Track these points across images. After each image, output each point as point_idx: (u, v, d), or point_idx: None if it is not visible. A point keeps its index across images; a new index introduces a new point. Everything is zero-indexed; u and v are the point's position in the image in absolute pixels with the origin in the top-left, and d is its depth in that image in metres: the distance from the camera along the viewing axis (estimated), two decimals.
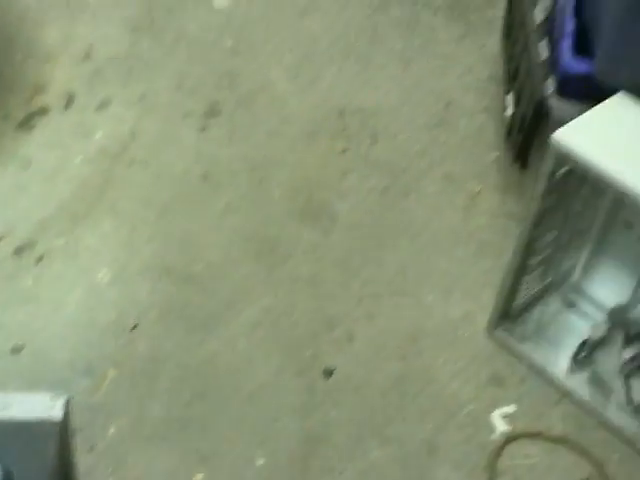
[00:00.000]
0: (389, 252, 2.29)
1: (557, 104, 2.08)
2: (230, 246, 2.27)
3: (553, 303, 2.20)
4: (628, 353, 2.09)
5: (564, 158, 1.78)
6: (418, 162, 2.51)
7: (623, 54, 1.86)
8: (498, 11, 2.68)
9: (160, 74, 2.65)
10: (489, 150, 2.52)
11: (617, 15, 1.84)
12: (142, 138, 2.49)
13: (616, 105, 1.88)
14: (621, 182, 1.71)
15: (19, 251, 2.21)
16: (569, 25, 2.05)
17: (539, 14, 2.32)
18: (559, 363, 2.11)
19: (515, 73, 2.38)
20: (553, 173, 1.84)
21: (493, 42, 2.70)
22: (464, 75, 2.77)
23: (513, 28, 2.45)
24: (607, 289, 2.15)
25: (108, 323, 2.10)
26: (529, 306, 2.18)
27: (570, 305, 2.19)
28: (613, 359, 2.09)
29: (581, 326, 2.15)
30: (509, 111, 2.34)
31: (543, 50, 2.16)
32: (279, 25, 2.85)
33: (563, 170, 1.88)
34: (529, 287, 2.16)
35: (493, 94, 2.62)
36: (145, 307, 2.12)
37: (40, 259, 2.20)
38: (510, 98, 2.35)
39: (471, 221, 2.36)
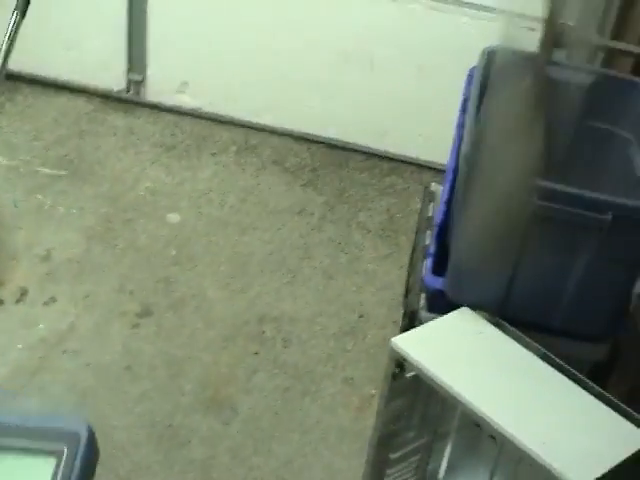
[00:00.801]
0: (279, 444, 2.54)
1: (426, 316, 2.38)
2: (136, 429, 2.54)
3: None
4: None
5: (400, 362, 2.06)
6: (322, 366, 2.79)
7: (463, 275, 2.18)
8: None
9: (106, 277, 3.00)
10: None
11: (457, 241, 2.16)
12: (79, 331, 2.81)
13: (459, 317, 2.17)
14: (450, 388, 1.97)
15: None
16: (432, 246, 2.37)
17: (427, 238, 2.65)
18: None
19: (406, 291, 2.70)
20: (394, 375, 2.11)
21: None
22: (381, 291, 3.09)
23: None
24: None
25: None
26: None
27: None
28: None
29: None
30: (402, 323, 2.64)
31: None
32: (221, 240, 3.22)
33: (411, 373, 2.15)
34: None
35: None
36: None
37: None
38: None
39: (361, 421, 2.62)
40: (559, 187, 2.01)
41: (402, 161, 3.70)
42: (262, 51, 3.60)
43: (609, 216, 1.97)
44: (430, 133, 3.55)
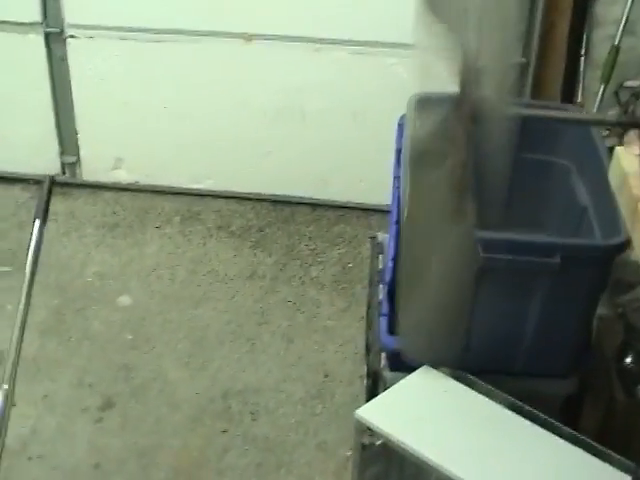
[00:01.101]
0: None
1: (388, 376, 2.34)
2: None
3: None
4: None
5: (366, 432, 2.02)
6: (294, 434, 2.74)
7: (417, 336, 2.14)
8: None
9: (63, 372, 2.94)
10: None
11: (404, 307, 2.12)
12: (42, 434, 2.74)
13: (421, 377, 2.13)
14: (419, 454, 1.93)
15: None
16: (384, 305, 2.33)
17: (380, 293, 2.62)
18: None
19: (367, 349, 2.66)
20: (364, 445, 2.07)
21: None
22: (343, 346, 3.05)
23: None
24: None
25: None
26: None
27: None
28: None
29: None
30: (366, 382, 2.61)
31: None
32: (175, 316, 3.16)
33: (380, 440, 2.11)
34: None
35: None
36: None
37: None
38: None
39: None
40: (502, 236, 1.98)
41: (348, 207, 3.67)
42: (193, 116, 3.57)
43: (557, 259, 1.94)
44: (372, 177, 3.53)
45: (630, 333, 2.45)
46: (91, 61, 3.55)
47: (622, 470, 1.90)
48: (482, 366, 2.13)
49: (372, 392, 2.42)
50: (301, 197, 3.66)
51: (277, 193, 3.67)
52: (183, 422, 2.78)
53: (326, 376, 2.94)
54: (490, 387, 2.08)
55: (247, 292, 3.27)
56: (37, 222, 2.15)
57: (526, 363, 2.18)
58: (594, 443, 1.95)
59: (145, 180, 3.74)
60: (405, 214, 1.35)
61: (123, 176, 3.74)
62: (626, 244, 1.92)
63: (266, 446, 2.70)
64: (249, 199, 3.70)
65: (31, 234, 2.17)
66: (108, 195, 3.75)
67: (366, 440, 2.08)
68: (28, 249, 2.16)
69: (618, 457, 1.92)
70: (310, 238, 3.53)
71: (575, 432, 1.97)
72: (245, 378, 2.92)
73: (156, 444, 2.71)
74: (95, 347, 3.03)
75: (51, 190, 2.21)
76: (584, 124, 2.19)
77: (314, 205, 3.67)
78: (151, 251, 3.45)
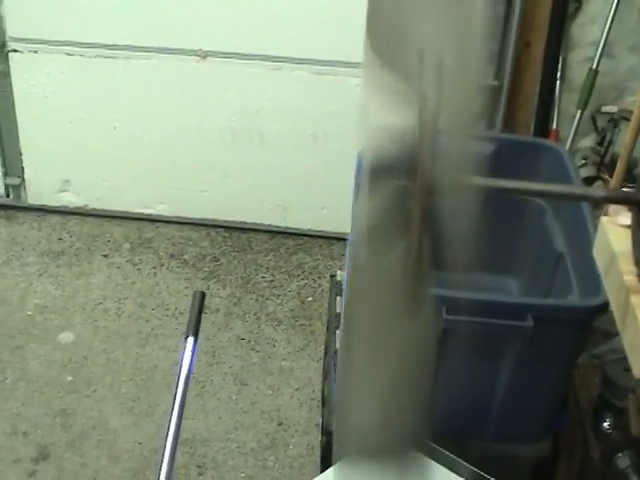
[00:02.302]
0: None
1: None
2: None
3: None
4: None
5: None
6: None
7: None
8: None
9: None
10: (317, 468, 2.53)
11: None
12: None
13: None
14: None
15: None
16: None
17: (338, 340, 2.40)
18: None
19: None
20: None
21: None
22: (299, 391, 2.83)
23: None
24: None
25: None
26: None
27: None
28: None
29: None
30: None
31: None
32: (120, 356, 2.93)
33: None
34: None
35: None
36: None
37: None
38: None
39: None
40: (468, 296, 1.76)
41: (308, 236, 3.45)
42: (144, 137, 3.35)
43: (530, 322, 1.72)
44: (334, 204, 3.31)
45: (607, 387, 2.26)
46: (35, 77, 3.32)
47: None
48: (447, 432, 1.91)
49: (326, 452, 2.21)
50: (258, 224, 3.45)
51: (233, 219, 3.45)
52: (123, 476, 2.56)
53: (280, 424, 2.72)
54: (453, 457, 1.87)
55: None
56: None
57: (496, 429, 1.97)
58: None
59: (94, 204, 3.51)
60: (345, 306, 1.12)
61: (70, 199, 3.52)
62: (606, 305, 1.70)
63: None
64: (203, 225, 3.47)
65: None
66: (54, 220, 3.52)
67: None
68: None
69: None
70: (267, 269, 3.31)
71: None
72: (193, 426, 2.70)
73: None
74: (32, 390, 2.80)
75: None
76: (564, 199, 1.99)
77: (272, 233, 3.46)
78: (98, 282, 3.22)
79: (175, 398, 1.87)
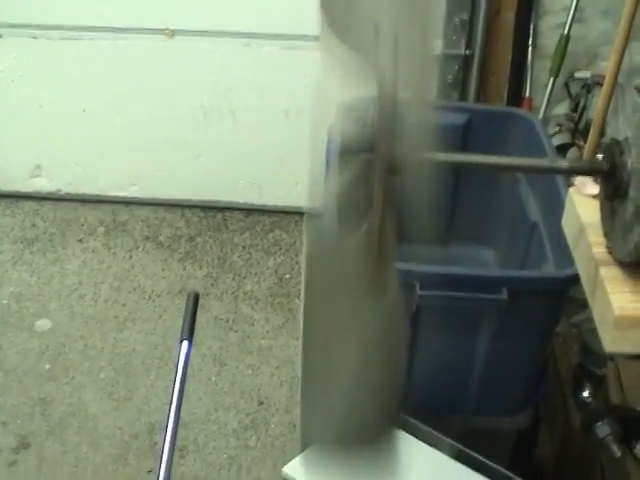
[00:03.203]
0: None
1: None
2: None
3: None
4: None
5: None
6: (225, 472, 2.51)
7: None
8: None
9: None
10: (299, 446, 2.51)
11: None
12: None
13: None
14: None
15: None
16: None
17: None
18: None
19: None
20: None
21: None
22: (279, 369, 2.81)
23: None
24: None
25: None
26: None
27: None
28: None
29: None
30: None
31: None
32: (98, 341, 2.91)
33: None
34: None
35: None
36: None
37: None
38: None
39: None
40: (441, 270, 1.74)
41: (284, 212, 3.42)
42: (114, 119, 3.32)
43: (505, 295, 1.70)
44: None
45: (586, 355, 2.25)
46: (1, 62, 3.27)
47: None
48: (427, 407, 1.89)
49: None
50: (234, 202, 3.42)
51: (208, 199, 3.42)
52: (105, 462, 2.54)
53: (261, 403, 2.71)
54: (434, 432, 1.85)
55: (176, 310, 3.02)
56: None
57: (476, 402, 1.96)
58: None
59: (67, 188, 3.47)
60: (304, 288, 1.09)
61: (43, 185, 3.47)
62: None
63: None
64: (178, 206, 3.44)
65: None
66: (27, 206, 3.48)
67: None
68: None
69: None
70: (244, 247, 3.28)
71: None
72: None
73: None
74: (10, 380, 2.77)
75: None
76: (530, 172, 1.96)
77: (248, 211, 3.43)
78: (73, 268, 3.18)
79: (172, 402, 1.84)
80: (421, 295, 1.75)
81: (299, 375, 1.47)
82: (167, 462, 1.78)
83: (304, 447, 1.73)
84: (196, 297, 1.99)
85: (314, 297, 1.08)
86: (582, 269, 1.12)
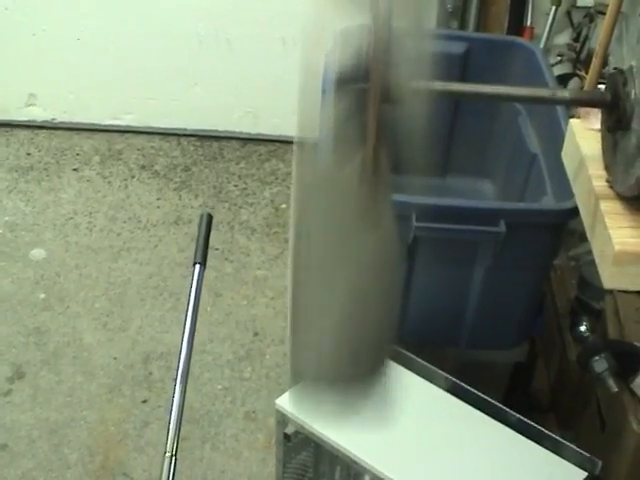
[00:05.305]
0: None
1: None
2: None
3: None
4: None
5: (285, 420, 1.78)
6: (220, 403, 2.51)
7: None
8: None
9: None
10: None
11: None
12: None
13: None
14: (346, 451, 1.69)
15: None
16: None
17: None
18: None
19: None
20: (287, 436, 1.83)
21: None
22: (274, 300, 2.80)
23: None
24: None
25: None
26: None
27: None
28: None
29: None
30: None
31: None
32: (93, 271, 2.89)
33: None
34: None
35: None
36: None
37: None
38: None
39: (269, 461, 2.34)
40: (438, 202, 1.71)
41: (280, 142, 3.38)
42: (109, 47, 3.27)
43: (502, 228, 1.68)
44: None
45: (584, 289, 2.22)
46: None
47: (575, 462, 1.66)
48: (423, 340, 1.88)
49: None
50: (230, 132, 3.38)
51: (204, 128, 3.38)
52: (99, 392, 2.54)
53: (256, 334, 2.70)
54: (429, 366, 1.84)
55: (171, 240, 3.00)
56: None
57: (472, 335, 1.95)
58: (544, 430, 1.71)
59: (61, 117, 3.43)
60: (294, 217, 1.06)
61: (37, 113, 3.43)
62: None
63: (190, 417, 2.46)
64: (174, 135, 3.41)
65: None
66: (22, 134, 3.44)
67: (289, 429, 1.83)
68: None
69: (570, 447, 1.69)
70: (240, 177, 3.25)
71: (522, 418, 1.73)
72: (168, 339, 2.67)
73: (69, 419, 2.47)
74: (4, 309, 2.76)
75: None
76: (530, 102, 1.92)
77: (244, 140, 3.40)
78: (68, 197, 3.16)
79: (185, 326, 1.81)
80: (417, 227, 1.73)
81: (288, 309, 1.45)
82: (182, 378, 1.75)
83: (294, 382, 1.71)
84: (209, 219, 1.93)
85: (306, 227, 1.05)
86: (581, 203, 1.09)
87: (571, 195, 1.66)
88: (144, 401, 2.51)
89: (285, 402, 1.78)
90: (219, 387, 2.55)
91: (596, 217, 1.01)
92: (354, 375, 1.13)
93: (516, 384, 2.23)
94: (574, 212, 1.69)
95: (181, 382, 1.76)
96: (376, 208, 1.00)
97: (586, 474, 1.64)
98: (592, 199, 1.03)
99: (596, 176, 1.05)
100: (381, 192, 1.00)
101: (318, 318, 1.07)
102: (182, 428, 2.33)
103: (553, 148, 1.95)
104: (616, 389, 1.84)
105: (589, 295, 2.20)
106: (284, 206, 3.15)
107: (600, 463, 1.64)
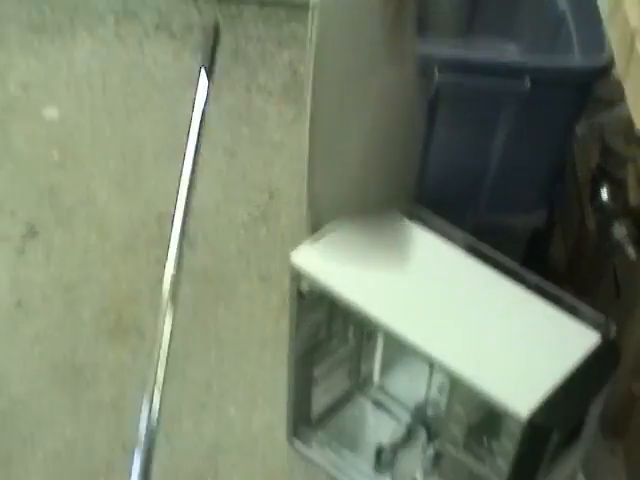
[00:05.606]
0: (195, 366, 2.27)
1: None
2: (36, 377, 2.25)
3: (357, 406, 2.17)
4: (430, 450, 2.06)
5: (300, 277, 1.76)
6: (234, 264, 2.50)
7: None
8: None
9: None
10: None
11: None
12: None
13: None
14: (364, 309, 1.67)
15: None
16: None
17: None
18: (362, 468, 2.07)
19: None
20: (301, 293, 1.81)
21: None
22: (291, 163, 2.75)
23: None
24: (407, 387, 2.12)
25: None
26: (332, 412, 2.15)
27: (375, 406, 2.16)
28: (416, 458, 2.05)
29: (387, 427, 2.11)
30: None
31: None
32: (107, 130, 2.85)
33: None
34: (329, 392, 2.13)
35: None
36: None
37: None
38: None
39: (283, 324, 2.33)
40: (461, 55, 1.65)
41: (301, 6, 3.27)
42: None
43: (527, 83, 1.62)
44: None
45: (606, 157, 2.17)
46: None
47: (590, 324, 1.64)
48: (441, 202, 1.84)
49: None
50: None
51: None
52: (113, 251, 2.53)
53: (271, 196, 2.66)
54: (447, 223, 1.80)
55: (187, 100, 2.91)
56: None
57: (491, 198, 1.91)
58: (561, 293, 1.69)
59: None
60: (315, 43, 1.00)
61: None
62: (609, 66, 1.60)
63: (204, 278, 2.46)
64: None
65: None
66: None
67: (304, 287, 1.81)
68: None
69: (586, 309, 1.67)
70: (259, 39, 3.18)
71: (541, 280, 1.70)
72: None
73: (83, 277, 2.46)
74: (18, 168, 2.74)
75: None
76: None
77: (263, 1, 3.28)
78: (82, 57, 3.10)
79: (188, 137, 1.74)
80: (440, 80, 1.67)
81: (306, 145, 1.40)
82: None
83: (313, 229, 1.68)
84: (216, 28, 1.82)
85: (327, 55, 0.99)
86: (616, 44, 1.04)
87: (600, 54, 1.61)
88: (158, 261, 2.49)
89: (300, 256, 1.75)
90: (234, 248, 2.53)
91: (632, 55, 0.96)
92: (376, 203, 1.09)
93: (533, 251, 2.20)
94: (602, 71, 1.63)
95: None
96: (401, 43, 0.95)
97: (600, 336, 1.61)
98: (628, 36, 0.98)
99: (633, 14, 0.99)
100: (406, 27, 0.94)
101: (339, 152, 1.02)
102: (195, 288, 2.33)
103: (584, 6, 1.88)
104: (634, 256, 1.82)
105: (611, 164, 2.15)
106: (302, 70, 3.07)
107: (615, 326, 1.62)
